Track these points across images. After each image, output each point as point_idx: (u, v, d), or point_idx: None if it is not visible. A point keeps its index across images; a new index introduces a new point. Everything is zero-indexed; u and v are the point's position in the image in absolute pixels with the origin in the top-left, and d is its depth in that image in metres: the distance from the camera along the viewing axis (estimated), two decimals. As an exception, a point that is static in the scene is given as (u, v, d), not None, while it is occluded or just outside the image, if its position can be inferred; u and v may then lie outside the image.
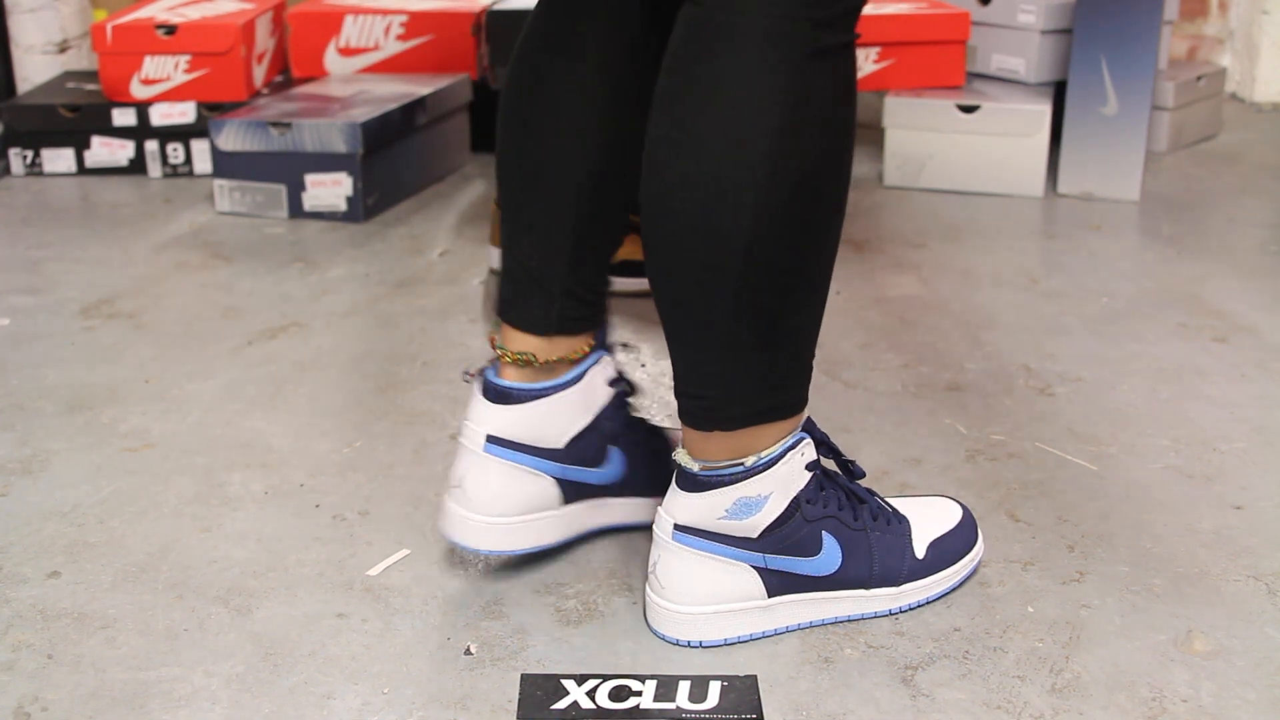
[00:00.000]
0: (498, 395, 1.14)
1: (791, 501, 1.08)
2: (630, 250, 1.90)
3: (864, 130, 2.77)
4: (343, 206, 2.22)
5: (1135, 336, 1.73)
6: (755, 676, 1.05)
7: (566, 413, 1.16)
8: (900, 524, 1.15)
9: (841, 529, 1.11)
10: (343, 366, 1.64)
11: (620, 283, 1.89)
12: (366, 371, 1.63)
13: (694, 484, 1.07)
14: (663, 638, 1.10)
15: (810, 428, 1.10)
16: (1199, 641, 1.10)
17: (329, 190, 2.21)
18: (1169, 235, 2.14)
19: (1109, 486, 1.35)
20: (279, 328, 1.76)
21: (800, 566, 1.10)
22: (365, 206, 2.22)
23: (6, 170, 2.48)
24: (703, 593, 1.09)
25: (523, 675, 1.05)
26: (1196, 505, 1.31)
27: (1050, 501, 1.32)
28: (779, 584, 1.10)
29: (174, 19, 2.49)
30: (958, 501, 1.21)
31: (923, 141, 2.36)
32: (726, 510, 1.07)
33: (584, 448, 1.17)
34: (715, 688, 1.04)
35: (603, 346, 1.18)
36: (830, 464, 1.23)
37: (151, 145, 2.46)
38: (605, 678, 1.05)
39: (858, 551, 1.11)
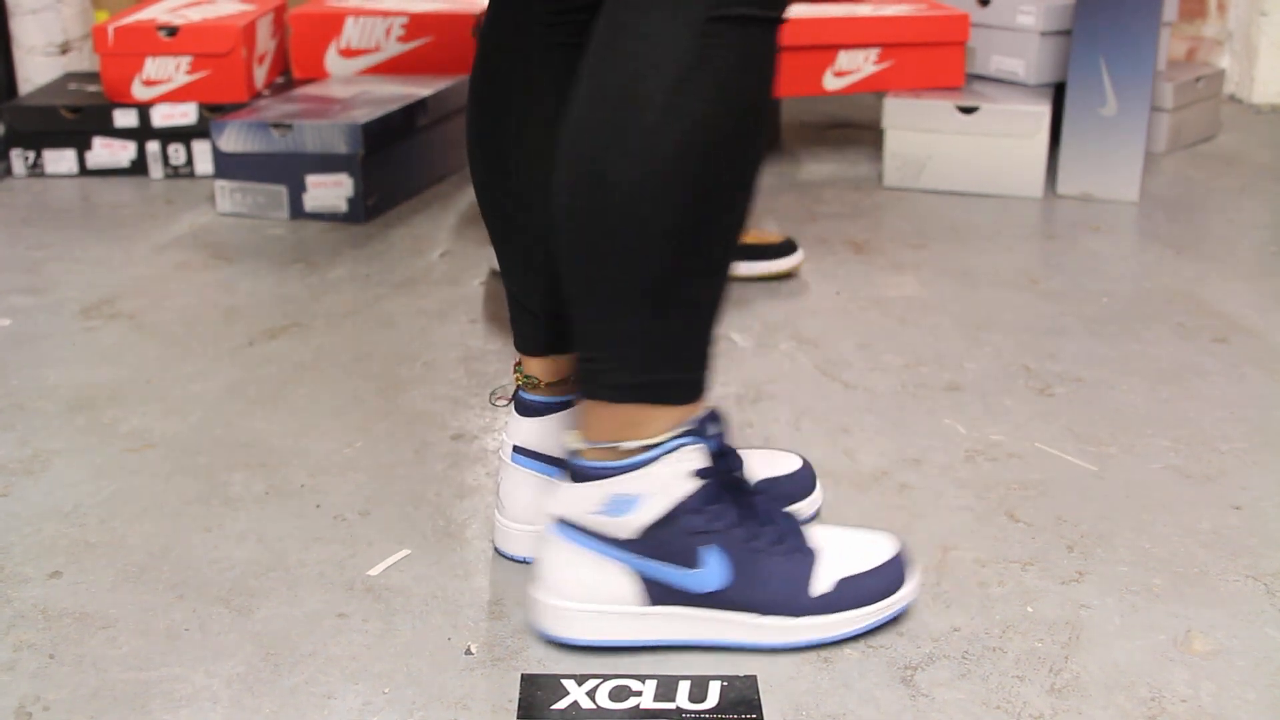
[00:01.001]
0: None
1: (674, 508, 1.05)
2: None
3: (864, 131, 2.77)
4: (343, 207, 2.22)
5: (1135, 336, 1.73)
6: (755, 676, 1.05)
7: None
8: (806, 555, 1.09)
9: (732, 547, 1.06)
10: (343, 367, 1.65)
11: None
12: (367, 371, 1.63)
13: (573, 473, 1.06)
14: (538, 632, 1.10)
15: (717, 440, 1.06)
16: (1199, 641, 1.10)
17: (330, 191, 2.21)
18: (1168, 236, 2.14)
19: (1109, 486, 1.35)
20: (280, 328, 1.77)
21: (679, 578, 1.06)
22: (366, 207, 2.22)
23: (8, 171, 2.49)
24: (575, 589, 1.07)
25: (523, 675, 1.06)
26: (1196, 505, 1.31)
27: (1050, 501, 1.32)
28: (657, 592, 1.07)
29: (175, 20, 2.49)
30: (896, 542, 1.13)
31: (922, 142, 2.36)
32: (600, 505, 1.05)
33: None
34: (715, 688, 1.04)
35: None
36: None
37: (153, 146, 2.47)
38: (605, 678, 1.05)
39: (751, 574, 1.06)
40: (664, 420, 1.04)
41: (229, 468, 1.39)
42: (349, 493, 1.34)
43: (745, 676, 1.05)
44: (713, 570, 1.06)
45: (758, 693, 1.03)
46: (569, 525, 1.07)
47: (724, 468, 1.07)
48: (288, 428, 1.48)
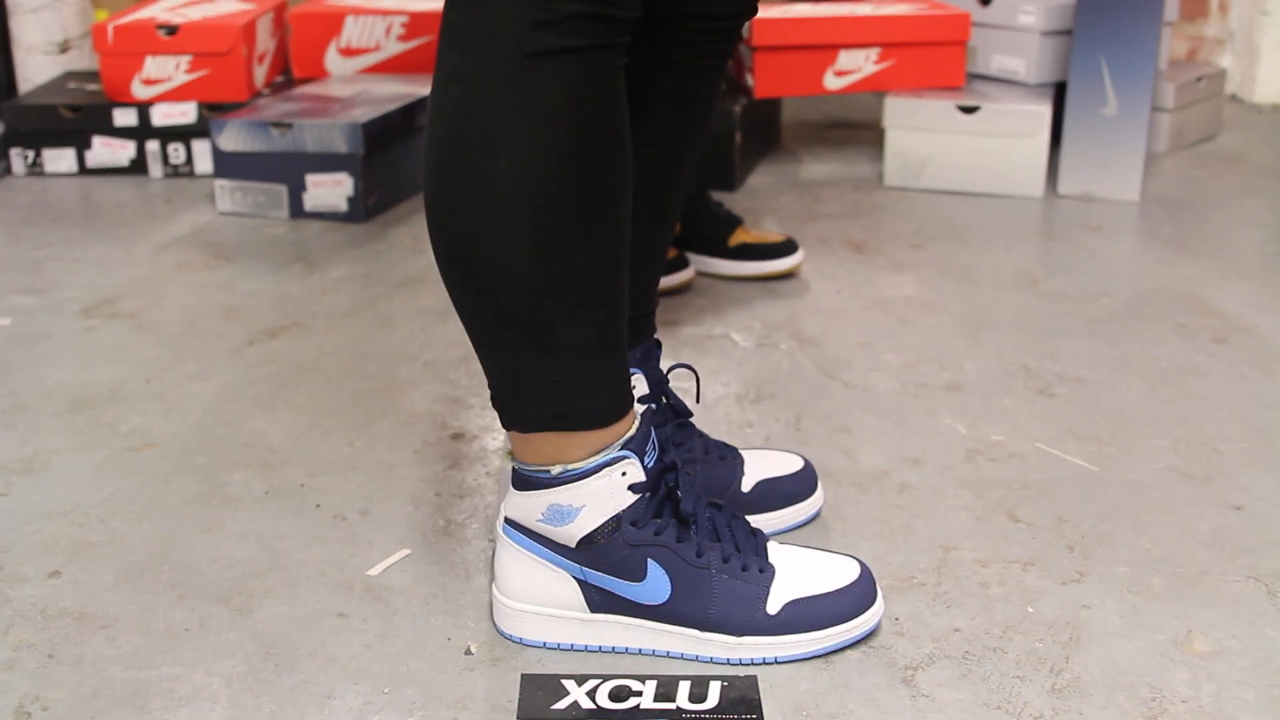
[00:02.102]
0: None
1: (611, 520, 1.05)
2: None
3: (864, 130, 2.77)
4: (343, 207, 2.22)
5: (1135, 336, 1.73)
6: (755, 676, 1.05)
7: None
8: (760, 574, 1.07)
9: (675, 561, 1.06)
10: (343, 366, 1.64)
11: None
12: (367, 371, 1.63)
13: (515, 480, 1.08)
14: (495, 627, 1.11)
15: (655, 456, 1.06)
16: (1199, 641, 1.10)
17: (330, 190, 2.21)
18: (1169, 236, 2.14)
19: (1109, 486, 1.35)
20: (280, 328, 1.76)
21: (621, 589, 1.07)
22: (366, 207, 2.22)
23: (8, 170, 2.49)
24: (524, 590, 1.09)
25: (523, 675, 1.06)
26: (1196, 505, 1.31)
27: (1050, 501, 1.32)
28: (601, 601, 1.08)
29: (175, 19, 2.49)
30: (863, 568, 1.10)
31: (923, 142, 2.36)
32: (542, 514, 1.06)
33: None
34: (715, 688, 1.04)
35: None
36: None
37: (153, 145, 2.47)
38: (605, 678, 1.05)
39: (694, 590, 1.06)
40: (586, 444, 1.04)
41: (229, 467, 1.39)
42: (349, 493, 1.34)
43: (745, 676, 1.05)
44: (655, 583, 1.07)
45: (758, 693, 1.03)
46: (518, 528, 1.08)
47: (665, 482, 1.07)
48: (288, 428, 1.48)
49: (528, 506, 1.07)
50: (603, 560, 1.06)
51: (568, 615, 1.09)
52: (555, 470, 1.04)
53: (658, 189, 1.17)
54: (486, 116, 0.94)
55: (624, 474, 1.04)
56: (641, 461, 1.05)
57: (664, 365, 1.29)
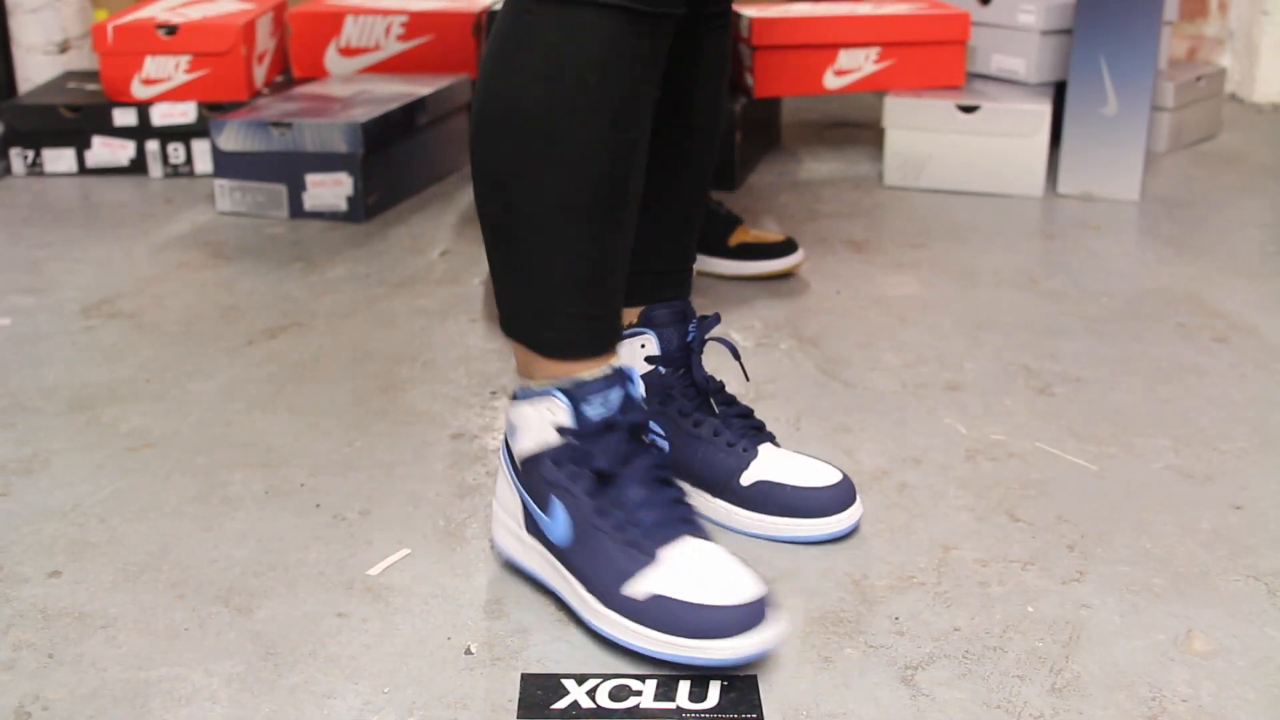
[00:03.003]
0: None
1: (539, 451, 1.12)
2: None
3: (864, 130, 2.77)
4: (343, 206, 2.22)
5: (1135, 336, 1.73)
6: (755, 676, 1.05)
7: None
8: (641, 555, 1.06)
9: (578, 511, 1.09)
10: (343, 366, 1.64)
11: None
12: (366, 371, 1.63)
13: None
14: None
15: (599, 411, 1.09)
16: (1199, 641, 1.10)
17: (329, 190, 2.21)
18: (1169, 235, 2.14)
19: (1109, 486, 1.35)
20: (279, 327, 1.76)
21: (539, 519, 1.13)
22: (366, 206, 2.22)
23: (7, 170, 2.49)
24: (501, 498, 1.18)
25: (523, 675, 1.05)
26: (1196, 505, 1.31)
27: (1050, 501, 1.32)
28: (529, 524, 1.15)
29: (175, 19, 2.49)
30: (764, 595, 1.04)
31: (923, 142, 2.36)
32: (507, 426, 1.16)
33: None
34: (715, 687, 1.04)
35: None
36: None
37: (152, 145, 2.47)
38: (605, 678, 1.05)
39: (584, 544, 1.08)
40: (543, 371, 1.13)
41: (228, 467, 1.39)
42: (349, 492, 1.34)
43: (745, 676, 1.05)
44: (559, 524, 1.11)
45: (758, 693, 1.03)
46: (505, 441, 1.18)
47: (595, 442, 1.09)
48: (288, 427, 1.48)
49: (506, 419, 1.17)
50: (530, 486, 1.13)
51: (515, 530, 1.16)
52: (517, 387, 1.14)
53: (668, 147, 1.23)
54: (497, 44, 1.08)
55: (552, 412, 1.10)
56: (576, 407, 1.09)
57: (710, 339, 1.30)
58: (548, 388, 1.10)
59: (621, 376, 1.12)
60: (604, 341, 1.13)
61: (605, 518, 1.08)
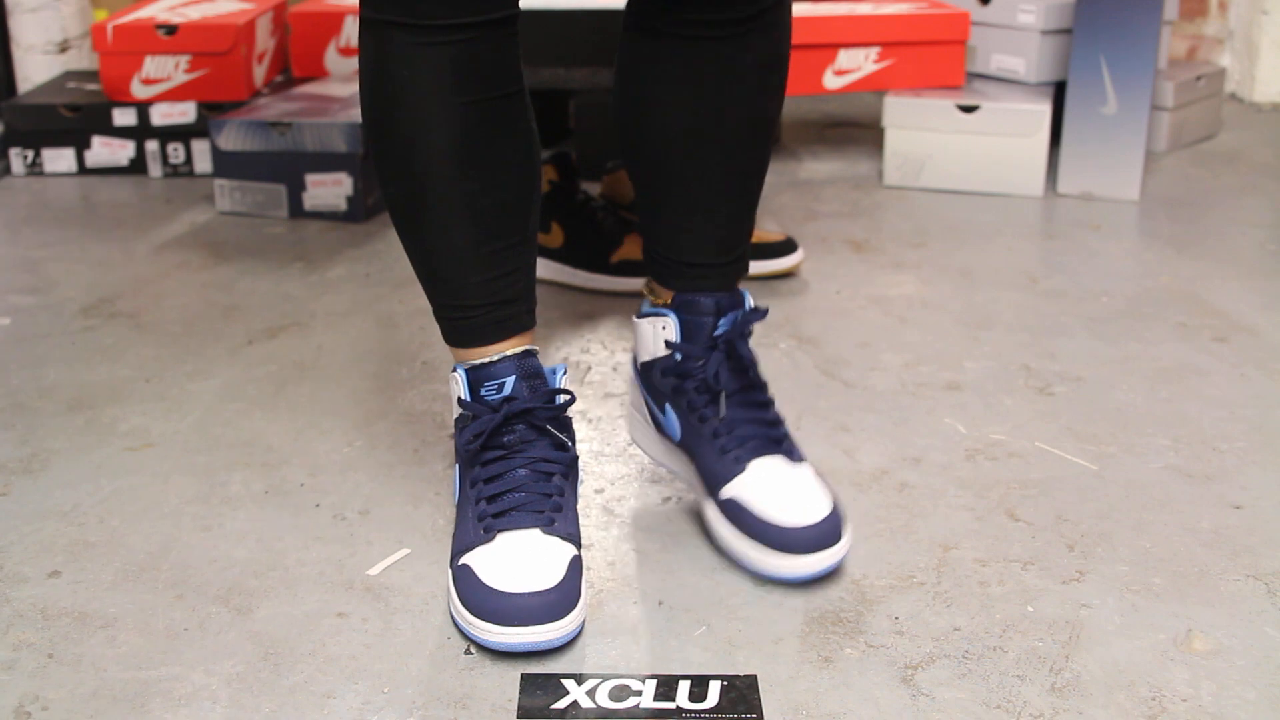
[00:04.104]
0: None
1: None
2: (630, 250, 1.90)
3: (864, 130, 2.77)
4: (343, 206, 2.22)
5: (1135, 336, 1.73)
6: (755, 676, 1.05)
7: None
8: (480, 535, 1.13)
9: (462, 465, 1.20)
10: (343, 366, 1.64)
11: (619, 282, 1.89)
12: (366, 371, 1.63)
13: None
14: None
15: (521, 399, 1.17)
16: (1199, 641, 1.10)
17: (329, 190, 2.21)
18: (1169, 235, 2.14)
19: (1109, 486, 1.35)
20: (279, 327, 1.76)
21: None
22: (366, 206, 2.22)
23: (7, 170, 2.49)
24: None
25: (523, 675, 1.06)
26: (1196, 505, 1.31)
27: (1050, 501, 1.32)
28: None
29: (174, 19, 2.49)
30: (551, 583, 1.08)
31: (922, 141, 2.36)
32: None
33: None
34: (715, 687, 1.04)
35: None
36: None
37: (152, 145, 2.46)
38: (605, 678, 1.05)
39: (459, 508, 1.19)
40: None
41: (228, 467, 1.39)
42: (349, 492, 1.34)
43: (745, 676, 1.05)
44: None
45: (758, 693, 1.03)
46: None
47: (495, 419, 1.16)
48: (287, 427, 1.48)
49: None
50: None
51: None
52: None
53: (701, 143, 1.24)
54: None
55: (451, 385, 1.21)
56: (475, 391, 1.17)
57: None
58: (456, 365, 1.21)
59: (521, 358, 1.19)
60: (492, 323, 1.20)
61: (473, 490, 1.17)
